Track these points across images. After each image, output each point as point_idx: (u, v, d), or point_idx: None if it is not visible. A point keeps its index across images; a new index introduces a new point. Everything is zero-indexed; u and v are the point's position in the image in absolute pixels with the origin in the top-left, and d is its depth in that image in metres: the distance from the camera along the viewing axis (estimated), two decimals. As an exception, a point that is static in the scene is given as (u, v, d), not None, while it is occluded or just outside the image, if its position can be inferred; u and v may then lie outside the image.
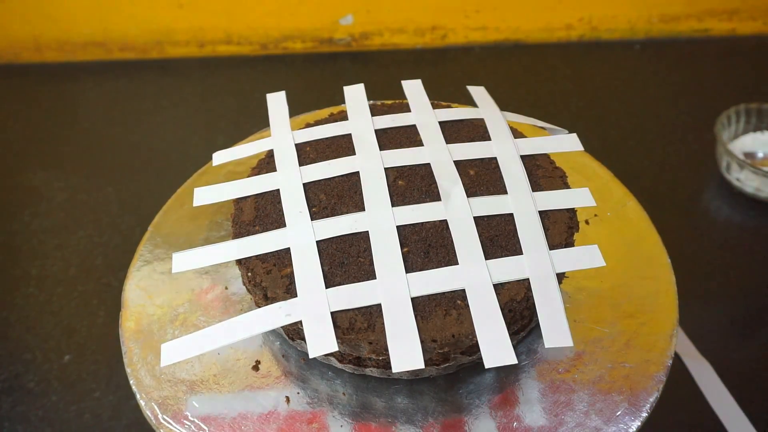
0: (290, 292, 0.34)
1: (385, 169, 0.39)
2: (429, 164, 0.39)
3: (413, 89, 0.45)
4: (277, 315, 0.33)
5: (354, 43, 0.88)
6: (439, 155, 0.40)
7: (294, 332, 0.36)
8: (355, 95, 0.44)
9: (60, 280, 0.60)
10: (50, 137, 0.76)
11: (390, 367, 0.32)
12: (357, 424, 0.34)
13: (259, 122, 0.45)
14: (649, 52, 0.86)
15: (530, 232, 0.35)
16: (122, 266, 0.42)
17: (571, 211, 0.37)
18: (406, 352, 0.31)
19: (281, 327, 0.36)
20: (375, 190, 0.38)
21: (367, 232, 0.36)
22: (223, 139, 0.74)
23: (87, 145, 0.75)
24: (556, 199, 0.37)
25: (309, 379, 0.36)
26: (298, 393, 0.36)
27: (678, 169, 0.71)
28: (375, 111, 0.43)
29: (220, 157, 0.42)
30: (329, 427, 0.34)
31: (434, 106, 0.43)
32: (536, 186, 0.38)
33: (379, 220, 0.36)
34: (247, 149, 0.42)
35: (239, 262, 0.36)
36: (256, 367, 0.37)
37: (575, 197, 0.38)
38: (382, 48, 0.88)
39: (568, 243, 0.36)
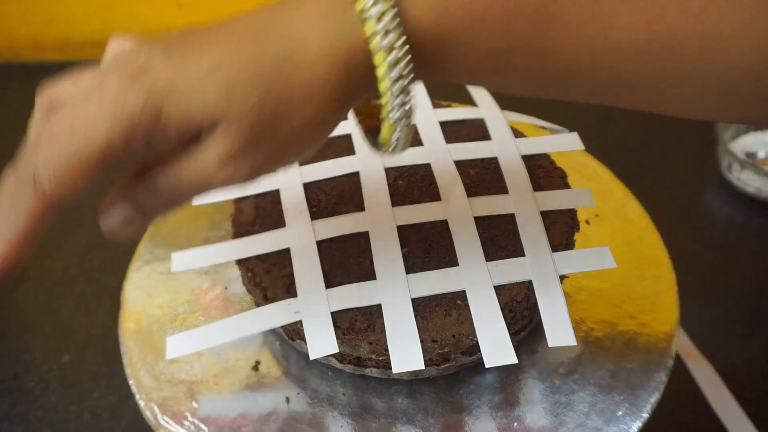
0: (290, 292, 0.34)
1: (386, 168, 0.39)
2: (429, 164, 0.39)
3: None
4: (277, 315, 0.33)
5: (354, 43, 0.88)
6: (439, 155, 0.40)
7: (294, 332, 0.35)
8: None
9: (60, 280, 0.60)
10: (50, 137, 0.76)
11: (390, 368, 0.32)
12: (357, 424, 0.34)
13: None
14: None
15: (532, 233, 0.35)
16: (122, 266, 0.42)
17: (572, 211, 0.37)
18: (406, 353, 0.31)
19: (281, 327, 0.36)
20: (375, 189, 0.38)
21: (368, 232, 0.36)
22: (223, 139, 0.74)
23: (87, 145, 0.75)
24: (556, 199, 0.37)
25: (309, 380, 0.36)
26: (298, 393, 0.36)
27: (678, 169, 0.71)
28: None
29: None
30: (329, 428, 0.34)
31: (435, 106, 0.43)
32: (537, 186, 0.38)
33: (380, 220, 0.36)
34: None
35: (239, 262, 0.36)
36: (256, 368, 0.37)
37: (575, 197, 0.38)
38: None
39: (569, 243, 0.36)
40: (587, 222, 0.43)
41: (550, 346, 0.32)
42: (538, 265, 0.34)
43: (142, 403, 0.35)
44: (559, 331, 0.32)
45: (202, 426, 0.34)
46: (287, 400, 0.35)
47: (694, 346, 0.54)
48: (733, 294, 0.60)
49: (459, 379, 0.36)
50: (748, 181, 0.66)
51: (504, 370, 0.36)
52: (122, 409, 0.51)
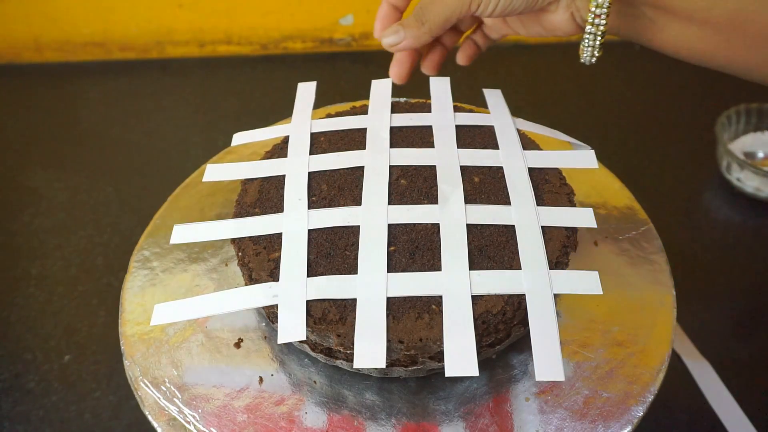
0: (273, 276, 0.34)
1: (391, 167, 0.39)
2: (435, 166, 0.39)
3: (439, 87, 0.45)
4: (256, 296, 0.34)
5: (354, 43, 0.88)
6: (446, 158, 0.39)
7: (273, 315, 0.36)
8: (381, 90, 0.44)
9: (60, 280, 0.60)
10: (50, 137, 0.76)
11: None
12: (320, 412, 0.35)
13: (260, 122, 0.46)
14: (649, 52, 0.86)
15: (530, 247, 0.35)
16: (122, 266, 0.42)
17: (570, 230, 0.36)
18: (370, 350, 0.31)
19: (264, 309, 0.37)
20: (374, 186, 0.38)
21: (359, 226, 0.36)
22: (224, 139, 0.74)
23: (87, 145, 0.75)
24: (556, 216, 0.37)
25: (286, 364, 0.37)
26: (272, 375, 0.36)
27: (678, 169, 0.71)
28: (398, 108, 0.43)
29: (238, 138, 0.43)
30: (293, 411, 0.35)
31: (457, 108, 0.43)
32: (539, 200, 0.37)
33: (372, 216, 0.36)
34: (266, 133, 0.43)
35: (233, 241, 0.37)
36: (238, 345, 0.38)
37: (576, 216, 0.37)
38: (382, 48, 0.88)
39: (559, 262, 0.35)
40: (596, 243, 0.42)
41: (537, 379, 0.31)
42: (532, 281, 0.33)
43: (126, 363, 0.37)
44: (548, 362, 0.31)
45: (177, 392, 0.35)
46: (260, 379, 0.36)
47: (693, 346, 0.54)
48: (732, 293, 0.60)
49: (431, 384, 0.36)
50: (746, 180, 0.66)
51: (477, 381, 0.36)
52: (123, 409, 0.52)
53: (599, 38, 0.41)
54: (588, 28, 0.41)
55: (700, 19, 0.39)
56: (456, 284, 0.33)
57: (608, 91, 0.82)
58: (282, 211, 0.37)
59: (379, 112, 0.43)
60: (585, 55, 0.42)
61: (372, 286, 0.33)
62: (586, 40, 0.41)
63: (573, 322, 0.38)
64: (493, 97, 0.44)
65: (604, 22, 0.40)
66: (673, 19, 0.40)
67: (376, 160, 0.39)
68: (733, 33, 0.39)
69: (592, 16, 0.40)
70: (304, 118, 0.43)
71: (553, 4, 0.42)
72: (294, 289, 0.33)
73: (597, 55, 0.42)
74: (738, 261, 0.62)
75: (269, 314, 0.37)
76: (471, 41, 0.49)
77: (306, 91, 0.45)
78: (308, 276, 0.34)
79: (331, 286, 0.33)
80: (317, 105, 0.45)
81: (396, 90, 0.45)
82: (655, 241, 0.42)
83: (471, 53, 0.49)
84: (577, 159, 0.40)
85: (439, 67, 0.48)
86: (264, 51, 0.88)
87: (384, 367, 0.31)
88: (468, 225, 0.36)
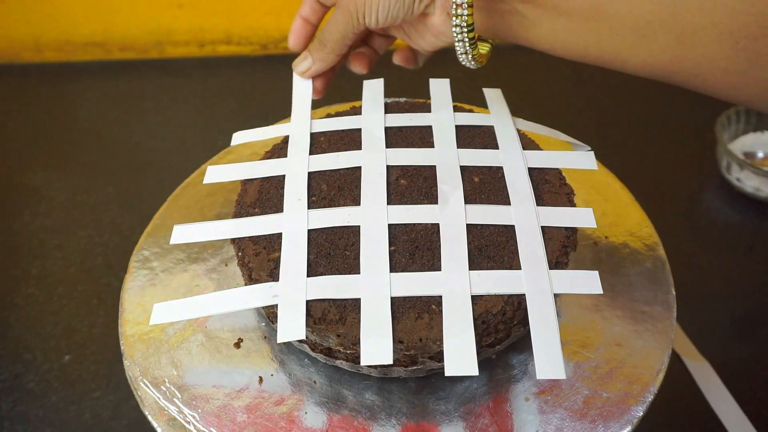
0: (273, 276, 0.34)
1: (391, 167, 0.39)
2: (435, 166, 0.39)
3: (439, 88, 0.45)
4: (256, 296, 0.34)
5: (354, 43, 0.88)
6: (445, 158, 0.39)
7: (273, 316, 0.36)
8: (373, 90, 0.44)
9: (60, 280, 0.60)
10: (50, 137, 0.76)
11: (358, 362, 0.33)
12: (320, 412, 0.35)
13: (259, 122, 0.46)
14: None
15: (529, 247, 0.35)
16: (122, 266, 0.42)
17: (570, 231, 0.36)
18: (377, 347, 0.32)
19: (264, 309, 0.37)
20: (373, 186, 0.38)
21: (359, 226, 0.36)
22: (224, 139, 0.74)
23: (87, 145, 0.75)
24: (556, 216, 0.37)
25: (286, 364, 0.37)
26: (272, 375, 0.36)
27: (678, 169, 0.71)
28: (398, 108, 0.43)
29: (238, 138, 0.43)
30: (293, 411, 0.35)
31: (457, 108, 0.43)
32: (539, 200, 0.37)
33: (372, 216, 0.36)
34: (266, 132, 0.43)
35: (233, 241, 0.37)
36: (238, 345, 0.38)
37: (576, 216, 0.37)
38: (382, 48, 0.88)
39: (559, 261, 0.35)
40: (595, 244, 0.42)
41: (538, 377, 0.31)
42: (532, 281, 0.33)
43: (126, 363, 0.37)
44: (549, 360, 0.31)
45: (177, 393, 0.35)
46: (260, 379, 0.36)
47: (693, 346, 0.54)
48: (732, 293, 0.60)
49: (430, 384, 0.36)
50: (746, 180, 0.66)
51: (477, 381, 0.36)
52: (123, 409, 0.52)
53: (466, 33, 0.39)
54: (453, 20, 0.38)
55: (565, 9, 0.38)
56: (456, 284, 0.33)
57: (608, 91, 0.82)
58: (282, 211, 0.37)
59: (372, 111, 0.43)
60: (459, 52, 0.40)
61: (376, 285, 0.33)
62: (455, 35, 0.39)
63: (573, 322, 0.38)
64: (493, 96, 0.44)
65: (467, 12, 0.38)
66: (543, 12, 0.39)
67: (372, 160, 0.39)
68: (598, 21, 0.37)
69: (455, 6, 0.38)
70: (304, 117, 0.43)
71: (431, 7, 0.41)
72: (294, 289, 0.33)
73: (470, 52, 0.39)
74: (738, 261, 0.62)
75: (269, 314, 0.37)
76: (408, 49, 0.48)
77: (302, 86, 0.45)
78: (308, 276, 0.34)
79: (331, 286, 0.33)
80: (317, 105, 0.45)
81: (396, 90, 0.45)
82: (655, 240, 0.42)
83: (407, 56, 0.48)
84: (577, 160, 0.40)
85: (368, 65, 0.47)
86: (264, 51, 0.88)
87: (391, 363, 0.31)
88: (468, 225, 0.36)
